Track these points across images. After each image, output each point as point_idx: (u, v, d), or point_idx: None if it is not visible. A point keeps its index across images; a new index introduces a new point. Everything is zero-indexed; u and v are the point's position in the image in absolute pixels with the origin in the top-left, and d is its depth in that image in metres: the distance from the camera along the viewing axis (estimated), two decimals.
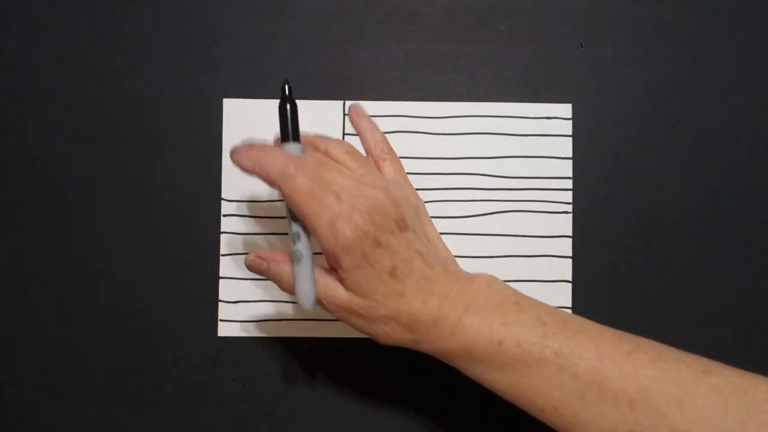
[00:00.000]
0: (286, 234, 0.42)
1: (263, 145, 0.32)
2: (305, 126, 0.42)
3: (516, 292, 0.32)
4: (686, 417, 0.27)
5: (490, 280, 0.33)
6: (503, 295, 0.32)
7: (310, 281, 0.31)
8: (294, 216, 0.31)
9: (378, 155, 0.36)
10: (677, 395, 0.27)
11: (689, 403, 0.27)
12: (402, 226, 0.31)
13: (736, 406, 0.27)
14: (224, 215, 0.42)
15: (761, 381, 0.27)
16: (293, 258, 0.31)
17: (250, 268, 0.34)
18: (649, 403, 0.27)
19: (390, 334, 0.31)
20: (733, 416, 0.26)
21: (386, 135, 0.42)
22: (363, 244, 0.29)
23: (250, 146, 0.32)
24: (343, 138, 0.42)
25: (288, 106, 0.33)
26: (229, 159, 0.33)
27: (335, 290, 0.31)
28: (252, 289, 0.42)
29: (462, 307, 0.31)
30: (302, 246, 0.31)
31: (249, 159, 0.31)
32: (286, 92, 0.33)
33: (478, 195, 0.42)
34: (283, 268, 0.32)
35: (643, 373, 0.28)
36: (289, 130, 0.33)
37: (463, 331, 0.30)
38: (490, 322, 0.30)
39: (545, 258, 0.42)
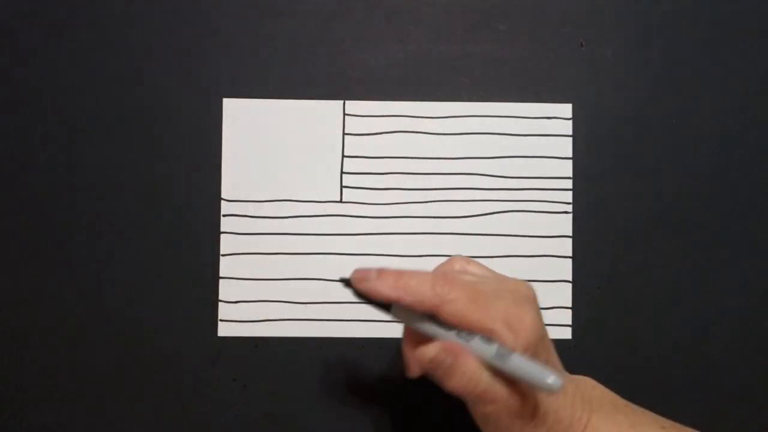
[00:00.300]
0: (288, 235, 0.42)
1: (400, 272, 0.30)
2: (305, 126, 0.42)
3: (616, 395, 0.32)
4: None
5: (593, 381, 0.33)
6: (612, 396, 0.32)
7: (537, 363, 0.28)
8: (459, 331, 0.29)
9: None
10: None
11: None
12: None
13: None
14: (224, 215, 0.42)
15: None
16: (498, 359, 0.28)
17: (447, 352, 0.29)
18: None
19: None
20: None
21: (386, 135, 0.42)
22: (536, 337, 0.29)
23: (384, 274, 0.30)
24: (344, 138, 0.42)
25: (358, 293, 0.32)
26: (357, 286, 0.31)
27: (512, 398, 0.29)
28: (252, 289, 0.42)
29: (588, 407, 0.31)
30: (496, 345, 0.28)
31: (391, 287, 0.30)
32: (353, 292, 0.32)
33: (478, 195, 0.42)
34: (475, 373, 0.29)
35: None
36: (380, 303, 0.31)
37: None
38: (618, 423, 0.30)
39: (545, 258, 0.42)
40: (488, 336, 0.28)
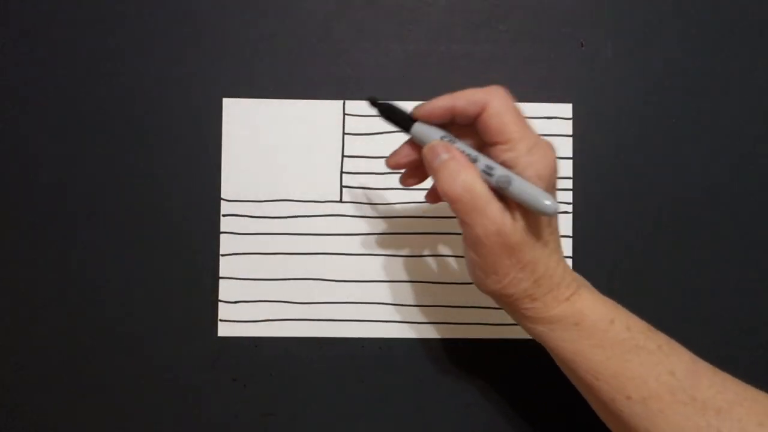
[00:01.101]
0: (288, 235, 0.42)
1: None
2: (305, 126, 0.42)
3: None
4: None
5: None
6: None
7: (533, 186, 0.29)
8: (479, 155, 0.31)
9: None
10: (759, 414, 0.28)
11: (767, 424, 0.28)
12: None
13: None
14: (224, 215, 0.42)
15: None
16: (500, 184, 0.30)
17: (426, 156, 0.31)
18: (734, 414, 0.28)
19: (518, 281, 0.31)
20: None
21: (386, 135, 0.42)
22: (553, 178, 0.30)
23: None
24: (344, 138, 0.42)
25: (386, 111, 0.33)
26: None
27: (506, 217, 0.30)
28: (252, 289, 0.42)
29: (579, 280, 0.32)
30: (503, 171, 0.30)
31: (446, 96, 0.31)
32: (377, 106, 0.33)
33: None
34: (463, 175, 0.30)
35: (731, 388, 0.29)
36: (405, 117, 0.33)
37: (580, 300, 0.31)
38: (604, 301, 0.32)
39: None
40: (509, 149, 0.30)
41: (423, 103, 0.32)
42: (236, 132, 0.42)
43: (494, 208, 0.29)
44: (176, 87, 0.42)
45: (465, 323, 0.42)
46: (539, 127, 0.42)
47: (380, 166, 0.42)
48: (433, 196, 0.37)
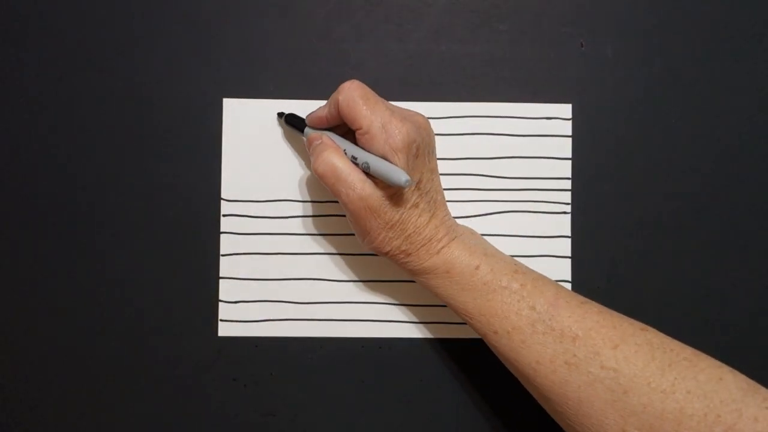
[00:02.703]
0: (288, 235, 0.42)
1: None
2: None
3: (490, 246, 0.38)
4: (617, 356, 0.31)
5: (476, 233, 0.38)
6: (483, 242, 0.37)
7: (385, 163, 0.34)
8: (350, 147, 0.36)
9: None
10: (614, 339, 0.32)
11: (622, 347, 0.31)
12: (431, 149, 0.36)
13: (661, 357, 0.31)
14: (224, 215, 0.42)
15: (688, 347, 0.32)
16: (364, 168, 0.34)
17: (307, 146, 0.38)
18: (589, 341, 0.32)
19: (390, 240, 0.35)
20: (657, 364, 0.30)
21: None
22: (409, 149, 0.34)
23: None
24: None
25: (289, 120, 0.41)
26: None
27: (368, 186, 0.34)
28: (252, 289, 0.42)
29: (453, 234, 0.36)
30: (363, 155, 0.34)
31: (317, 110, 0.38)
32: (284, 119, 0.41)
33: (478, 195, 0.42)
34: (328, 157, 0.35)
35: (590, 317, 0.33)
36: (301, 124, 0.40)
37: (450, 252, 0.35)
38: (472, 250, 0.36)
39: (545, 258, 0.42)
40: (365, 132, 0.34)
41: (311, 112, 0.38)
42: (236, 132, 0.42)
43: (355, 178, 0.34)
44: (176, 87, 0.42)
45: (465, 323, 0.42)
46: (539, 127, 0.42)
47: None
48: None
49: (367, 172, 0.35)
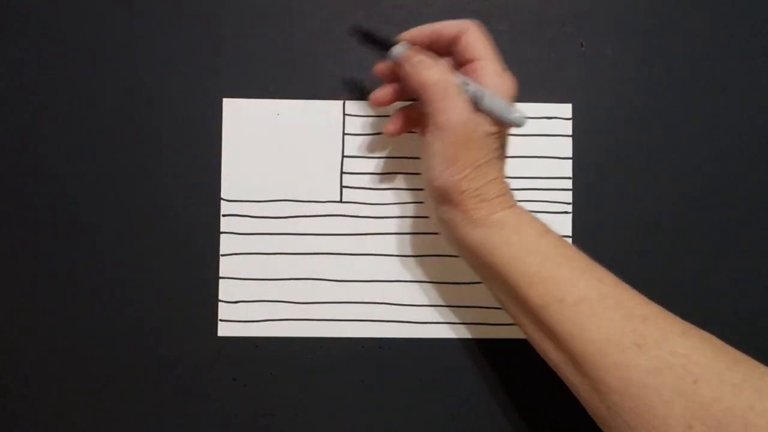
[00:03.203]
0: (288, 235, 0.42)
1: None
2: (305, 126, 0.42)
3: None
4: (686, 344, 0.29)
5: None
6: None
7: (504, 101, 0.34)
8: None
9: None
10: (680, 325, 0.30)
11: (689, 335, 0.29)
12: None
13: (727, 351, 0.29)
14: (224, 215, 0.42)
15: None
16: (474, 97, 0.33)
17: (405, 55, 0.35)
18: (658, 323, 0.30)
19: (472, 179, 0.33)
20: (725, 357, 0.29)
21: (386, 135, 0.42)
22: (515, 96, 0.34)
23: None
24: (344, 138, 0.42)
25: (366, 36, 0.37)
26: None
27: (475, 116, 0.33)
28: (252, 289, 0.42)
29: (519, 207, 0.35)
30: (477, 86, 0.34)
31: (425, 26, 0.36)
32: (361, 33, 0.37)
33: None
34: (439, 68, 0.34)
35: (652, 304, 0.31)
36: (383, 40, 0.37)
37: (520, 211, 0.34)
38: (537, 217, 0.34)
39: None
40: (483, 68, 0.34)
41: (407, 31, 0.36)
42: (236, 132, 0.42)
43: (464, 101, 0.33)
44: (176, 87, 0.42)
45: (465, 323, 0.42)
46: (539, 127, 0.42)
47: (380, 166, 0.42)
48: (395, 124, 0.39)
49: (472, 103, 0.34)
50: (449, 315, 0.42)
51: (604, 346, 0.29)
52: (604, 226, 0.42)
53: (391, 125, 0.38)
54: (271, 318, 0.42)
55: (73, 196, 0.42)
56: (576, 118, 0.42)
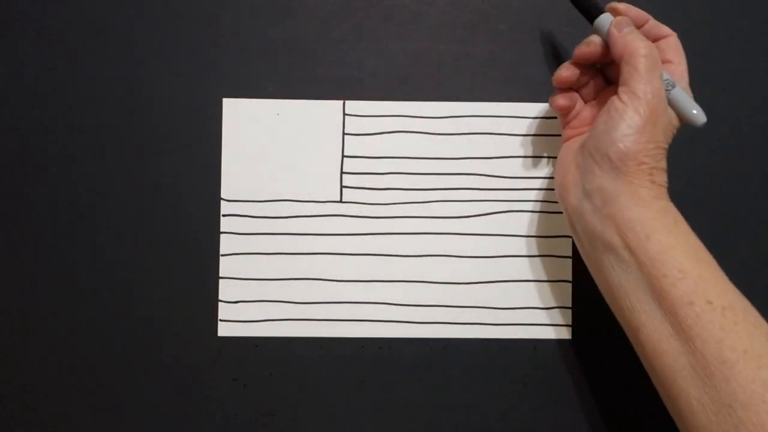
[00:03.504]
0: (288, 235, 0.42)
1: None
2: (305, 126, 0.42)
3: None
4: None
5: None
6: None
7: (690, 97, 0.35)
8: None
9: None
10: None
11: None
12: None
13: None
14: (224, 215, 0.42)
15: None
16: (666, 85, 0.35)
17: (617, 22, 0.35)
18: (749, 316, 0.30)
19: (652, 156, 0.33)
20: None
21: (386, 135, 0.42)
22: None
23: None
24: (344, 138, 0.42)
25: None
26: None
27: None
28: (252, 289, 0.42)
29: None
30: (669, 76, 0.35)
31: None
32: None
33: (478, 195, 0.42)
34: (650, 43, 0.34)
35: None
36: (593, 6, 0.37)
37: (675, 208, 0.34)
38: (672, 212, 0.34)
39: (545, 258, 0.42)
40: (675, 66, 0.36)
41: (619, 2, 0.37)
42: (236, 132, 0.42)
43: (662, 82, 0.34)
44: (176, 87, 0.42)
45: (465, 323, 0.42)
46: (539, 127, 0.42)
47: (380, 166, 0.42)
48: (565, 99, 0.38)
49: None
50: (449, 315, 0.42)
51: (744, 356, 0.29)
52: None
53: (567, 71, 0.37)
54: (271, 318, 0.42)
55: (72, 195, 0.42)
56: None
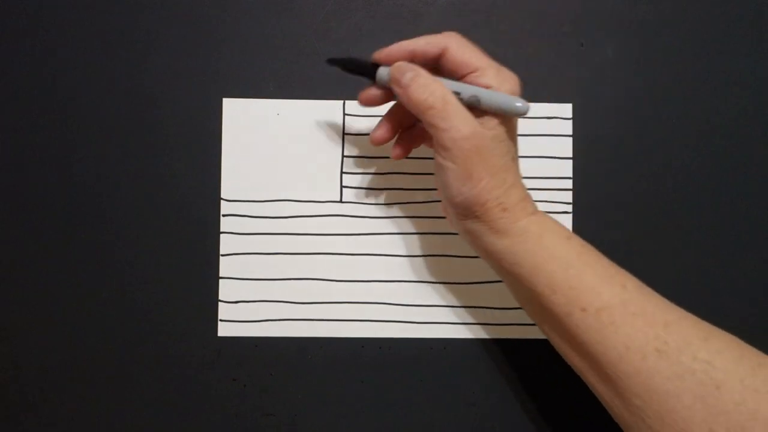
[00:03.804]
0: (288, 235, 0.42)
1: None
2: (305, 126, 0.42)
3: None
4: (709, 348, 0.29)
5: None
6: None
7: (504, 94, 0.33)
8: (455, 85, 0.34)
9: None
10: (703, 330, 0.30)
11: (712, 340, 0.29)
12: None
13: (750, 355, 0.29)
14: (224, 215, 0.42)
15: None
16: (471, 102, 0.33)
17: (393, 76, 0.34)
18: (680, 329, 0.30)
19: (491, 188, 0.33)
20: (748, 362, 0.29)
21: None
22: (519, 90, 0.33)
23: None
24: (344, 138, 0.42)
25: (346, 64, 0.36)
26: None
27: (476, 123, 0.32)
28: (252, 289, 0.42)
29: (539, 212, 0.35)
30: (471, 89, 0.33)
31: (403, 43, 0.34)
32: (337, 64, 0.37)
33: None
34: (433, 86, 0.33)
35: (676, 308, 0.31)
36: (367, 65, 0.36)
37: (542, 216, 0.34)
38: (559, 221, 0.34)
39: None
40: (481, 74, 0.33)
41: (383, 49, 0.35)
42: (236, 132, 0.42)
43: (465, 114, 0.32)
44: (176, 87, 0.42)
45: (465, 323, 0.42)
46: (539, 127, 0.42)
47: (380, 166, 0.42)
48: (402, 148, 0.38)
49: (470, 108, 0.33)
50: (450, 315, 0.42)
51: (625, 353, 0.30)
52: (604, 226, 0.42)
53: (381, 131, 0.37)
54: (271, 318, 0.42)
55: (73, 195, 0.42)
56: (576, 118, 0.42)
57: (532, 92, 0.42)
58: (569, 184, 0.42)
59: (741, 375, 0.28)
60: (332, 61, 0.36)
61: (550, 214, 0.42)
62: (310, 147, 0.42)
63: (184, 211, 0.42)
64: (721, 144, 0.42)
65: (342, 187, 0.42)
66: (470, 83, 0.33)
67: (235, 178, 0.42)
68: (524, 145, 0.42)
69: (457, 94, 0.33)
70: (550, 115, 0.42)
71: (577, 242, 0.33)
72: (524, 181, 0.42)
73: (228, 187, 0.42)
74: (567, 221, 0.42)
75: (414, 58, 0.34)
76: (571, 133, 0.42)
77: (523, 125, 0.42)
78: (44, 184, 0.42)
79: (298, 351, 0.42)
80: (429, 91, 0.32)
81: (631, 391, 0.30)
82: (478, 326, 0.42)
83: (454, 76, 0.34)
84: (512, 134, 0.34)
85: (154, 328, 0.41)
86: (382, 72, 0.35)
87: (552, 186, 0.42)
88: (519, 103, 0.32)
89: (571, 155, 0.42)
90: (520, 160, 0.42)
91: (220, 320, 0.41)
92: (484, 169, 0.32)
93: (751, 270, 0.42)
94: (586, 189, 0.42)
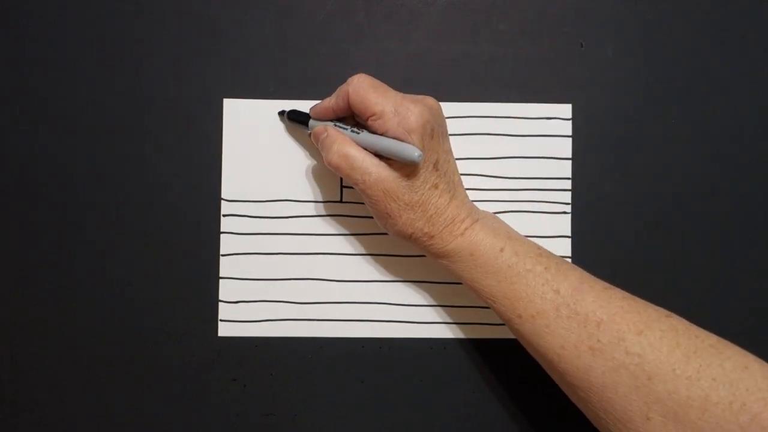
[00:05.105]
0: (288, 235, 0.42)
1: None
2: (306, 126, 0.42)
3: (513, 230, 0.37)
4: (642, 342, 0.31)
5: (498, 217, 0.38)
6: (506, 226, 0.37)
7: (396, 141, 0.34)
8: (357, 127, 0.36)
9: None
10: (639, 324, 0.31)
11: (647, 333, 0.31)
12: (444, 131, 0.37)
13: (686, 343, 0.30)
14: (224, 215, 0.42)
15: (713, 335, 0.31)
16: (374, 150, 0.35)
17: (315, 135, 0.37)
18: (613, 326, 0.31)
19: (412, 221, 0.35)
20: (682, 350, 0.30)
21: None
22: (424, 129, 0.34)
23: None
24: None
25: (290, 116, 0.41)
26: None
27: (383, 169, 0.35)
28: (252, 289, 0.42)
29: (475, 216, 0.36)
30: (369, 138, 0.35)
31: (322, 103, 0.38)
32: (286, 116, 0.41)
33: (478, 195, 0.42)
34: (334, 146, 0.35)
35: (614, 303, 0.32)
36: (301, 119, 0.40)
37: (473, 234, 0.35)
38: (496, 233, 0.35)
39: None
40: (378, 117, 0.34)
41: (315, 104, 0.38)
42: (236, 132, 0.42)
43: (369, 163, 0.35)
44: (176, 87, 0.42)
45: (465, 323, 0.42)
46: (539, 127, 0.42)
47: None
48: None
49: (380, 156, 0.35)
50: (449, 315, 0.42)
51: (562, 353, 0.32)
52: (603, 227, 0.42)
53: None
54: (271, 318, 0.42)
55: (73, 195, 0.42)
56: (576, 118, 0.42)
57: (532, 92, 0.42)
58: (568, 184, 0.42)
59: (673, 365, 0.30)
60: (282, 114, 0.41)
61: (549, 215, 0.42)
62: (310, 147, 0.42)
63: (184, 211, 0.42)
64: (721, 143, 0.42)
65: (342, 187, 0.42)
66: (372, 128, 0.35)
67: (235, 178, 0.42)
68: (524, 146, 0.42)
69: (362, 141, 0.35)
70: (549, 116, 0.42)
71: (510, 252, 0.35)
72: (523, 181, 0.42)
73: (228, 187, 0.42)
74: (566, 221, 0.42)
75: (337, 112, 0.37)
76: (570, 133, 0.42)
77: (522, 125, 0.42)
78: (44, 183, 0.42)
79: (298, 351, 0.42)
80: (333, 151, 0.35)
81: (575, 385, 0.32)
82: (479, 326, 0.42)
83: (362, 120, 0.36)
84: (428, 169, 0.35)
85: (154, 328, 0.41)
86: (312, 124, 0.39)
87: (551, 186, 0.42)
88: (412, 152, 0.33)
89: (570, 156, 0.42)
90: (520, 160, 0.42)
91: (220, 320, 0.42)
92: (398, 207, 0.35)
93: (751, 270, 0.42)
94: (585, 189, 0.42)
